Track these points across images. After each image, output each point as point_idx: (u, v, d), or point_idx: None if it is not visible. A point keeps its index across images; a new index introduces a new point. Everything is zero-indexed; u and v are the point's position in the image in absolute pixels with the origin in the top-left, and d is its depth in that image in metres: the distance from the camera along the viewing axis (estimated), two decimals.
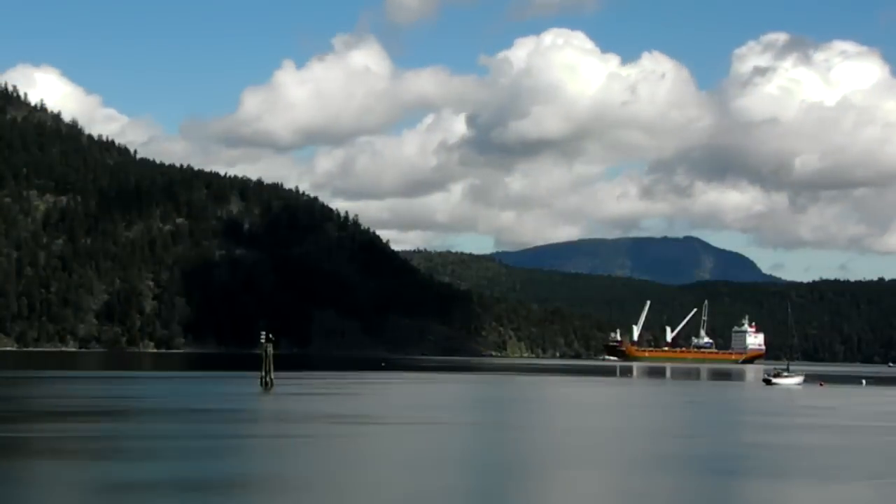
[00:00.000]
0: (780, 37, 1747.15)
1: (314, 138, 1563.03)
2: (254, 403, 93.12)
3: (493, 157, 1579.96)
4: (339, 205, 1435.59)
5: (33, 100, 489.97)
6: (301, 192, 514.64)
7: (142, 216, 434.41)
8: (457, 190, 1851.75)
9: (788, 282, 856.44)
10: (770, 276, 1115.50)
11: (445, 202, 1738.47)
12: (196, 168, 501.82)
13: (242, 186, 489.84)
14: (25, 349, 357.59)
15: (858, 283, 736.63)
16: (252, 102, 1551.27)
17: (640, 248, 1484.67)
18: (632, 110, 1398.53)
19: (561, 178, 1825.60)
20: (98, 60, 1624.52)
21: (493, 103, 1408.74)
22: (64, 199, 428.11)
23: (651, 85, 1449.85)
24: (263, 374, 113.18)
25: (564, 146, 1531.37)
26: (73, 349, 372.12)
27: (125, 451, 50.22)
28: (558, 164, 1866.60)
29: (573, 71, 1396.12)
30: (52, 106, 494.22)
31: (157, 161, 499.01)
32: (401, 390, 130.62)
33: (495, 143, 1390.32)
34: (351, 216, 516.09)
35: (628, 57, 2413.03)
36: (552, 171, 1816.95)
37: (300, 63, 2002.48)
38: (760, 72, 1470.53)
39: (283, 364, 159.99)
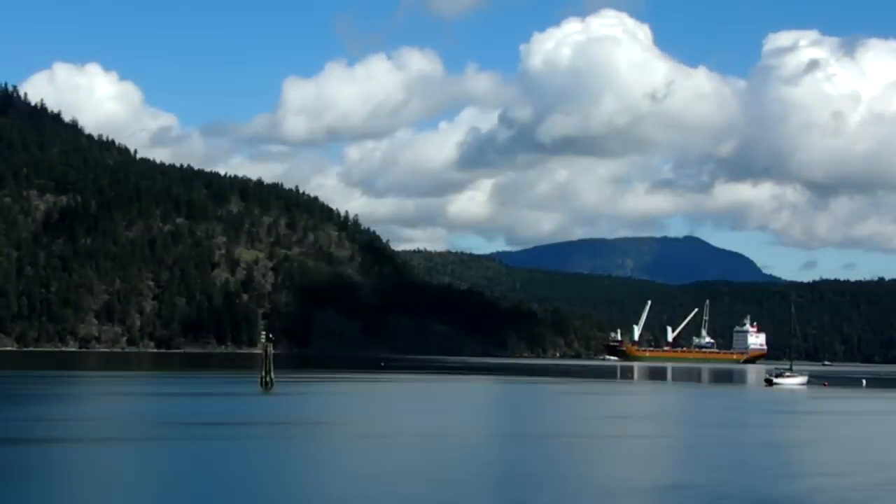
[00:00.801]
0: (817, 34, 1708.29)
1: (342, 135, 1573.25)
2: (238, 406, 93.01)
3: (524, 155, 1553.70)
4: (362, 201, 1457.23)
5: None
6: (301, 191, 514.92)
7: (142, 216, 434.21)
8: (482, 188, 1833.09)
9: (788, 282, 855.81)
10: (770, 276, 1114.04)
11: (470, 200, 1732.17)
12: (196, 168, 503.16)
13: (243, 186, 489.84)
14: (25, 349, 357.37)
15: (858, 283, 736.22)
16: (289, 97, 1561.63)
17: (640, 247, 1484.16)
18: (665, 107, 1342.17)
19: (591, 176, 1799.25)
20: (141, 55, 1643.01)
21: (526, 99, 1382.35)
22: (64, 199, 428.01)
23: (686, 79, 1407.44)
24: (263, 373, 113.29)
25: (599, 143, 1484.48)
26: (74, 349, 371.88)
27: None
28: (591, 161, 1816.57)
29: (610, 66, 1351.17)
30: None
31: (158, 161, 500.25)
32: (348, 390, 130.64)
33: (527, 140, 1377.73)
34: (352, 215, 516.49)
35: (670, 51, 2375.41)
36: (582, 169, 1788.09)
37: (340, 56, 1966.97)
38: (803, 67, 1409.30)
39: (282, 364, 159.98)
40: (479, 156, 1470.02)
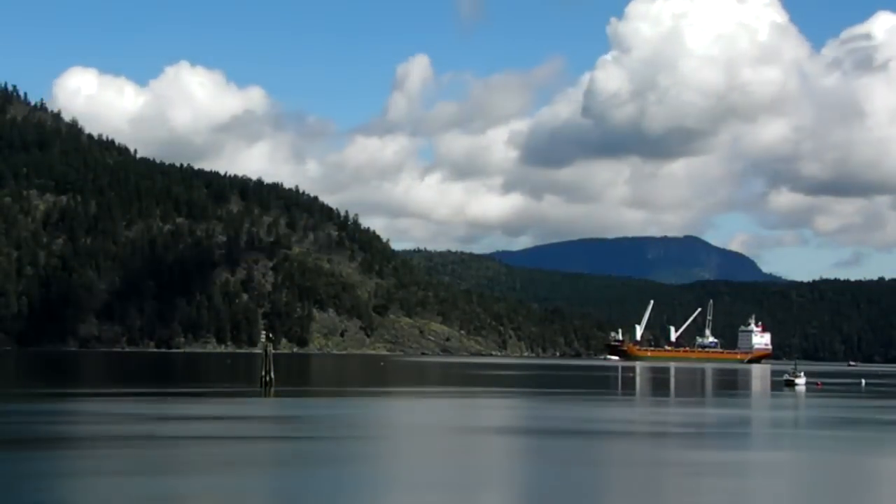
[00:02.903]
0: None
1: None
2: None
3: (585, 151, 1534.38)
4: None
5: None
6: (301, 191, 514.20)
7: (142, 216, 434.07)
8: (548, 186, 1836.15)
9: (789, 281, 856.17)
10: (770, 276, 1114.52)
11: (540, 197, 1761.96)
12: (196, 167, 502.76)
13: (243, 186, 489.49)
14: (26, 349, 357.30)
15: (858, 283, 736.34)
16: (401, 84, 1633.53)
17: (640, 247, 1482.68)
18: (748, 101, 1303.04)
19: (656, 174, 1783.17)
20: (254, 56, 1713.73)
21: (606, 88, 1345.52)
22: (64, 198, 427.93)
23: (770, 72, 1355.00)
24: (263, 373, 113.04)
25: (683, 136, 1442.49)
26: (74, 349, 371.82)
27: None
28: (662, 158, 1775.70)
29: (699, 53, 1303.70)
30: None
31: (157, 160, 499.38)
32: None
33: (591, 137, 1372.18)
34: (351, 215, 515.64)
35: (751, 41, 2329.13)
36: (654, 166, 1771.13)
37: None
38: None
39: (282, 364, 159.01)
40: (558, 149, 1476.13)
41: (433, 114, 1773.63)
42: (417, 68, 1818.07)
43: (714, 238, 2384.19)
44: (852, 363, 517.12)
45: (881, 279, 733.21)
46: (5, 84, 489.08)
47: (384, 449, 55.48)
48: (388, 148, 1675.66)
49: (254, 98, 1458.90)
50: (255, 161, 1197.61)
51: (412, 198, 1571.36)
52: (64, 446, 53.32)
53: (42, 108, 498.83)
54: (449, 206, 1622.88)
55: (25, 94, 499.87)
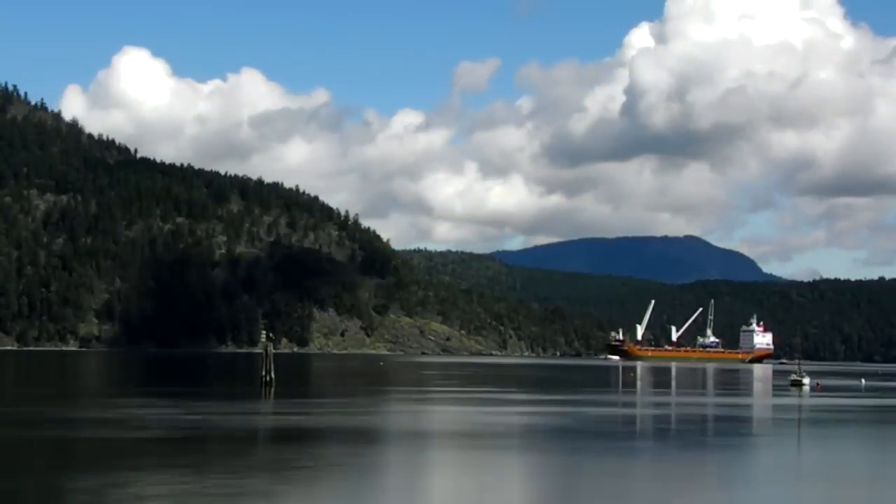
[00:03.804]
0: None
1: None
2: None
3: (628, 150, 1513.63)
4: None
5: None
6: (301, 191, 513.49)
7: (142, 216, 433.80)
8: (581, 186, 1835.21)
9: (789, 281, 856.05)
10: (770, 276, 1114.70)
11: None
12: (197, 167, 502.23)
13: (243, 185, 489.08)
14: (26, 348, 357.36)
15: (858, 283, 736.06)
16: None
17: (640, 247, 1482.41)
18: (784, 106, 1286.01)
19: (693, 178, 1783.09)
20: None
21: (650, 83, 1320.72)
22: (64, 198, 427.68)
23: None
24: (263, 373, 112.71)
25: (721, 140, 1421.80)
26: (74, 348, 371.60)
27: None
28: (702, 162, 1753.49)
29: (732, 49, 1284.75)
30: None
31: (158, 160, 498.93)
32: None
33: (635, 135, 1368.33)
34: (351, 215, 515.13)
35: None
36: (690, 170, 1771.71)
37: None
38: None
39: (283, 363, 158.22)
40: (595, 147, 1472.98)
41: (479, 112, 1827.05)
42: (472, 68, 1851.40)
43: (722, 239, 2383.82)
44: (784, 361, 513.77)
45: (881, 279, 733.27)
46: (6, 84, 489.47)
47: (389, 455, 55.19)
48: (426, 145, 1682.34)
49: (316, 98, 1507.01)
50: (298, 158, 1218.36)
51: (439, 197, 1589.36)
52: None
53: (42, 107, 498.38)
54: (480, 205, 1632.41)
55: (26, 93, 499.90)
